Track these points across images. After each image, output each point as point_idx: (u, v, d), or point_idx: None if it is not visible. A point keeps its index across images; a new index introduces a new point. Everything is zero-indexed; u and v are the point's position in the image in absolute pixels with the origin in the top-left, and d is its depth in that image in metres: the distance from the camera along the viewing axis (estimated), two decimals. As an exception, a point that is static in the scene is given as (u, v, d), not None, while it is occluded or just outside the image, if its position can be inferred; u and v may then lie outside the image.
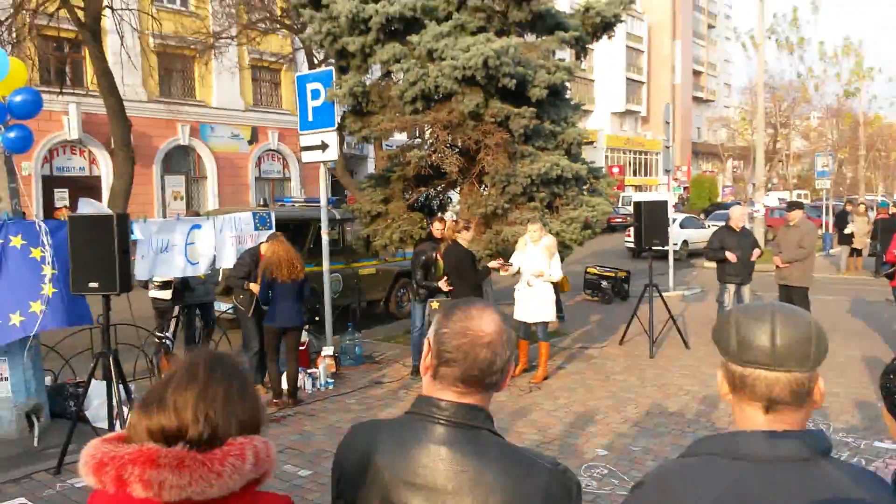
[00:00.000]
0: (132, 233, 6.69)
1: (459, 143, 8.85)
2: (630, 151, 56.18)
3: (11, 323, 5.87)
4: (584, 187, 9.44)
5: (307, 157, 8.66)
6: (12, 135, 5.97)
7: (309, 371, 7.52)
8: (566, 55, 10.83)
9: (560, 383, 7.56)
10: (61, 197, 20.80)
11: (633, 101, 57.79)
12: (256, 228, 8.33)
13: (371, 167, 25.93)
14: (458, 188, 9.25)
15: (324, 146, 8.40)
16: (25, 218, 6.46)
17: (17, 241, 5.93)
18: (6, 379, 5.97)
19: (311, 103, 8.51)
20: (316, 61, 19.12)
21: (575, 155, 9.35)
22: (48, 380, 6.67)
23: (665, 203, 9.88)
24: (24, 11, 15.16)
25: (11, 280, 5.89)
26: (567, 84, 9.46)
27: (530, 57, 8.51)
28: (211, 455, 1.29)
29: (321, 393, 7.31)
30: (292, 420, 6.41)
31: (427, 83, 8.00)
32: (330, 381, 7.52)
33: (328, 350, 7.89)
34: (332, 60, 9.78)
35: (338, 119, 8.66)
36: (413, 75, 8.06)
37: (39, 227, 6.05)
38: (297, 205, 12.35)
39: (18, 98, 5.96)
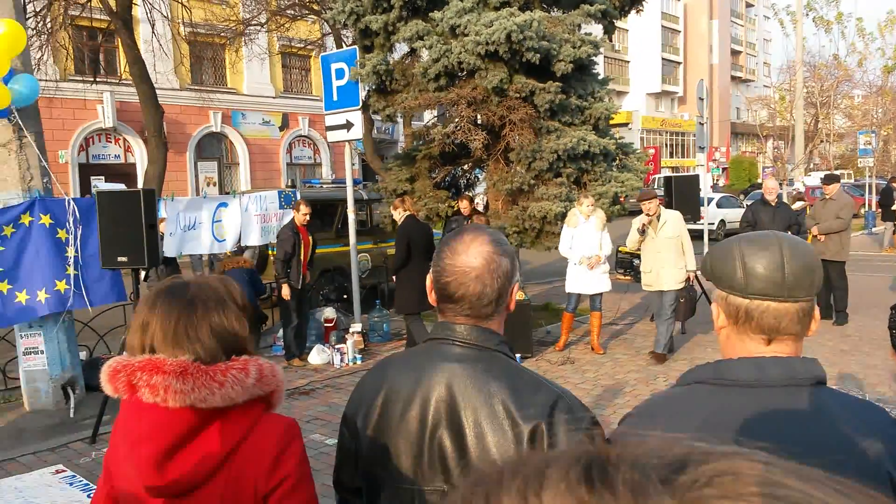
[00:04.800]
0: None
1: (484, 120, 8.79)
2: (666, 133, 55.24)
3: (38, 299, 6.03)
4: (614, 163, 9.31)
5: (332, 136, 8.69)
6: (17, 86, 5.86)
7: (337, 346, 7.60)
8: (594, 30, 10.67)
9: (589, 357, 7.51)
10: (97, 183, 21.24)
11: (669, 82, 56.75)
12: (281, 207, 8.42)
13: (399, 150, 25.94)
14: (484, 165, 9.20)
15: (348, 125, 8.42)
16: (53, 196, 6.60)
17: (45, 220, 6.08)
18: (42, 352, 6.14)
19: (336, 83, 8.52)
20: (345, 44, 19.12)
21: (603, 130, 9.22)
22: (83, 354, 6.84)
23: (696, 177, 9.70)
24: (57, 2, 15.43)
25: (40, 258, 6.04)
26: (594, 59, 9.31)
27: (555, 31, 8.39)
28: (214, 367, 1.37)
29: (349, 368, 7.38)
30: (321, 392, 6.50)
31: (450, 59, 7.95)
32: (358, 356, 7.59)
33: (356, 327, 7.95)
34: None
35: (362, 98, 8.66)
36: (436, 52, 8.02)
37: (69, 205, 6.19)
38: (324, 186, 12.43)
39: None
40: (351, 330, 7.90)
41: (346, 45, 19.08)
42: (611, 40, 10.29)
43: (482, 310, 1.41)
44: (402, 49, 9.24)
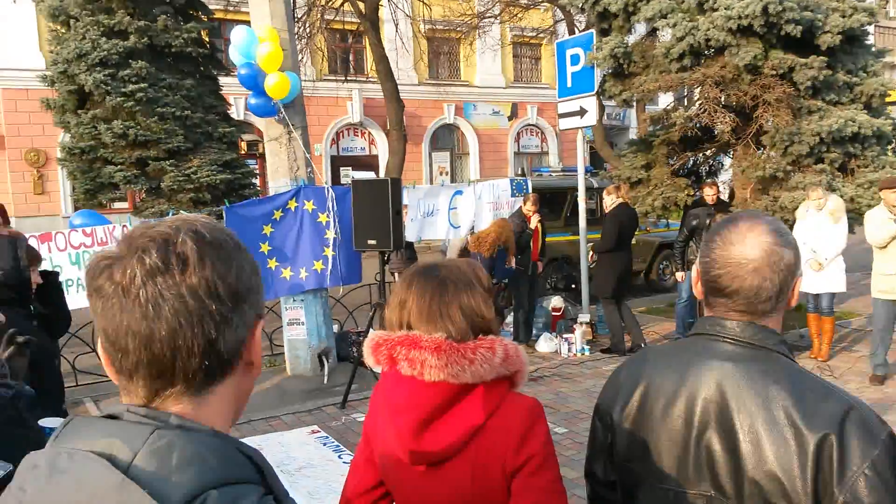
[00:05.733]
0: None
1: (733, 101, 8.10)
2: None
3: (301, 277, 6.71)
4: (889, 146, 8.10)
5: (564, 123, 8.58)
6: (254, 101, 6.60)
7: (565, 336, 7.53)
8: (867, -5, 9.33)
9: (847, 366, 6.63)
10: (345, 174, 23.33)
11: (953, 52, 48.30)
12: (513, 195, 8.51)
13: (632, 136, 25.08)
14: (731, 150, 8.50)
15: (582, 112, 8.25)
16: (316, 184, 7.30)
17: (309, 206, 6.74)
18: (302, 324, 6.84)
19: (570, 69, 8.39)
20: (577, 31, 18.89)
21: (877, 109, 8.05)
22: (335, 328, 7.52)
23: None
24: (315, 8, 17.08)
25: (304, 239, 6.72)
26: (867, 28, 8.15)
27: (820, 0, 7.48)
28: (465, 345, 1.44)
29: (577, 358, 7.28)
30: (548, 381, 6.48)
31: (696, 37, 7.44)
32: (586, 347, 7.46)
33: (584, 317, 7.81)
34: (595, 26, 9.55)
35: (597, 83, 8.44)
36: (681, 30, 7.54)
37: (328, 192, 6.80)
38: (553, 174, 12.37)
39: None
40: (579, 320, 7.78)
41: (579, 31, 18.84)
42: (885, 6, 8.93)
43: (759, 306, 1.29)
44: (640, 30, 8.84)
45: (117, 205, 16.04)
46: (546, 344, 7.64)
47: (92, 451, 0.77)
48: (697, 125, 7.84)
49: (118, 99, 11.20)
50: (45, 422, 2.07)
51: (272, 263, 6.69)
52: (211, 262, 0.83)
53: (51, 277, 3.37)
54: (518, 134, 27.29)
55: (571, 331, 7.69)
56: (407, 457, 1.45)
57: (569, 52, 8.38)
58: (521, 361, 1.49)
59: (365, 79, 22.40)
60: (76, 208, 18.24)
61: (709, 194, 7.54)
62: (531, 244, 7.66)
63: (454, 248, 9.15)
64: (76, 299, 6.39)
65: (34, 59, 17.58)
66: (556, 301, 8.31)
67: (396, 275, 9.19)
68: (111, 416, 0.82)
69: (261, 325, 0.91)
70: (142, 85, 11.25)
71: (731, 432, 1.24)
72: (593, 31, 8.71)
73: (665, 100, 14.23)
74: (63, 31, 12.11)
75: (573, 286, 9.26)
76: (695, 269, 1.40)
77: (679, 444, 1.31)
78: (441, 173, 25.60)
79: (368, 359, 1.52)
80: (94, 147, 11.66)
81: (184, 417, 0.83)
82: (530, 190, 8.73)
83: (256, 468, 0.83)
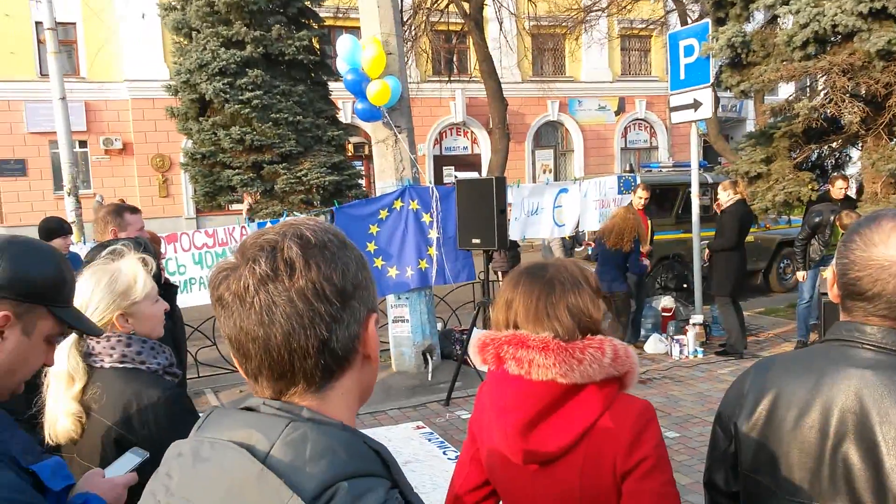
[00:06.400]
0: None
1: (863, 90, 7.52)
2: None
3: (406, 276, 6.81)
4: None
5: (677, 117, 8.26)
6: (360, 106, 6.70)
7: (676, 338, 7.25)
8: None
9: None
10: (448, 173, 23.54)
11: None
12: (620, 192, 8.28)
13: (749, 129, 23.88)
14: (860, 142, 7.89)
15: (696, 104, 7.90)
16: (420, 184, 7.39)
17: (414, 205, 6.83)
18: (407, 321, 6.94)
19: (684, 60, 8.06)
20: (690, 21, 18.19)
21: None
22: (439, 326, 7.58)
23: None
24: (421, 10, 17.32)
25: (409, 238, 6.81)
26: None
27: (968, -26, 6.80)
28: (573, 344, 1.43)
29: (688, 360, 6.99)
30: (658, 383, 6.26)
31: (822, 23, 6.97)
32: (699, 349, 7.15)
33: (697, 318, 7.49)
34: (708, 15, 9.14)
35: (713, 75, 8.06)
36: (805, 16, 7.09)
37: (432, 192, 6.87)
38: (664, 170, 11.94)
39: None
40: (692, 321, 7.46)
41: (691, 22, 18.11)
42: None
43: None
44: (759, 18, 8.37)
45: (234, 206, 16.97)
46: (655, 345, 7.39)
47: (232, 441, 0.82)
48: (823, 116, 7.36)
49: (236, 106, 11.82)
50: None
51: (378, 262, 6.83)
52: (316, 265, 0.86)
53: (172, 289, 3.56)
54: (625, 129, 26.58)
55: (683, 332, 7.38)
56: (518, 456, 1.45)
57: (682, 43, 8.05)
58: (632, 362, 1.48)
59: (468, 78, 22.51)
60: (198, 210, 19.49)
61: (840, 187, 7.03)
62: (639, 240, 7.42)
63: (557, 248, 9.01)
64: (199, 297, 6.79)
65: (159, 70, 18.88)
66: (666, 301, 8.01)
67: (500, 274, 9.16)
68: (248, 409, 0.87)
69: (373, 319, 0.92)
70: (257, 92, 11.83)
71: (872, 445, 1.18)
72: (708, 20, 8.34)
73: (786, 90, 13.42)
74: (186, 42, 12.92)
75: (684, 286, 8.90)
76: (830, 270, 1.33)
77: (813, 457, 1.25)
78: (544, 171, 25.34)
79: (475, 358, 1.54)
80: (214, 152, 12.37)
81: (314, 411, 0.86)
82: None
83: (383, 462, 0.86)
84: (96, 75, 19.38)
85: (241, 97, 11.85)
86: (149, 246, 2.99)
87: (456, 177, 21.02)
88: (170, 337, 2.23)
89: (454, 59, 23.84)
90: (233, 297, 0.86)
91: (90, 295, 1.80)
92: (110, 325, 1.82)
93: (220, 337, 6.40)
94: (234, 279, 0.86)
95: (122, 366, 1.78)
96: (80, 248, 6.53)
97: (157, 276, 2.10)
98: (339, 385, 0.90)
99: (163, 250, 6.48)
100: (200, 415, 2.32)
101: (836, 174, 7.74)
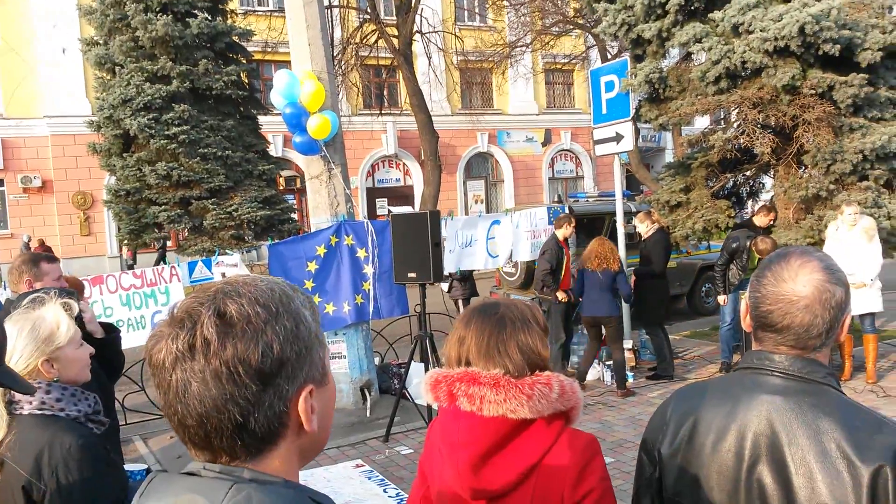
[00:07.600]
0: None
1: (772, 122, 8.00)
2: None
3: (343, 311, 6.77)
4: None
5: (600, 149, 8.58)
6: (298, 139, 6.67)
7: (607, 363, 7.42)
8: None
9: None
10: (381, 205, 23.58)
11: None
12: (550, 223, 8.48)
13: (668, 159, 24.89)
14: (772, 171, 8.37)
15: (618, 137, 8.24)
16: (355, 219, 7.40)
17: (349, 241, 6.82)
18: (344, 357, 6.88)
19: (605, 95, 8.40)
20: (609, 56, 18.96)
21: (922, 124, 7.85)
22: (376, 360, 7.53)
23: None
24: (350, 46, 17.47)
25: (344, 274, 6.78)
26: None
27: (858, 17, 7.38)
28: (522, 380, 1.48)
29: (621, 386, 7.16)
30: (592, 409, 6.38)
31: (732, 60, 7.39)
32: (629, 374, 7.33)
33: (627, 343, 7.69)
34: (627, 51, 9.57)
35: (632, 109, 8.43)
36: (716, 53, 7.51)
37: (367, 227, 6.88)
38: (590, 199, 12.31)
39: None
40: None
41: (611, 57, 18.88)
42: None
43: (809, 342, 1.30)
44: (675, 55, 8.82)
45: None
46: (589, 372, 7.53)
47: None
48: (736, 147, 7.77)
49: (162, 141, 11.58)
50: (129, 466, 2.17)
51: (316, 299, 6.76)
52: (233, 346, 0.82)
53: (114, 334, 3.45)
54: (552, 159, 27.31)
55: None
56: (467, 493, 1.48)
57: (603, 79, 8.40)
58: (577, 398, 1.53)
59: (399, 111, 22.73)
60: (121, 249, 18.85)
61: (767, 218, 7.48)
62: (565, 270, 7.57)
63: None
64: (127, 339, 6.54)
65: (81, 106, 18.31)
66: (597, 328, 8.19)
67: (461, 302, 9.23)
68: (190, 473, 0.86)
69: (306, 391, 0.88)
70: (184, 127, 11.62)
71: (782, 466, 1.25)
72: (627, 57, 8.74)
73: (702, 122, 14.13)
74: (109, 77, 12.61)
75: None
76: (744, 302, 1.41)
77: (730, 479, 1.31)
78: (476, 201, 25.69)
79: (427, 396, 1.57)
80: (139, 188, 12.05)
81: (255, 471, 0.86)
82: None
83: None
84: (14, 112, 18.65)
85: (167, 132, 11.61)
86: (73, 293, 2.91)
87: (390, 210, 21.06)
88: (95, 382, 2.18)
89: (385, 92, 24.04)
90: (157, 368, 0.85)
91: (13, 343, 1.77)
92: (35, 372, 1.80)
93: (148, 380, 6.17)
94: (158, 350, 0.84)
95: (40, 413, 1.76)
96: (0, 294, 6.22)
97: (81, 323, 2.05)
98: (272, 454, 0.88)
99: (87, 293, 6.24)
100: (127, 465, 2.26)
101: (763, 204, 8.16)
